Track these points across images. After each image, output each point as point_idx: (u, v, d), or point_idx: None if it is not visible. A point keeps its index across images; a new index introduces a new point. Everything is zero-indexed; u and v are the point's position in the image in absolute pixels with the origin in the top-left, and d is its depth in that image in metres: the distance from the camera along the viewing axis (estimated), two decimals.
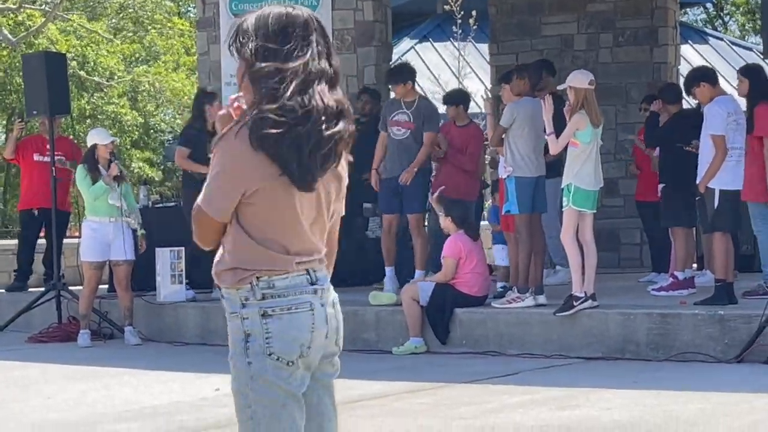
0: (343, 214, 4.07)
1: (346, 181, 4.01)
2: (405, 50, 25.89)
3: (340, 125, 3.85)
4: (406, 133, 13.19)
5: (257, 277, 3.85)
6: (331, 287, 3.99)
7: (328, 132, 3.80)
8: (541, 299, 12.39)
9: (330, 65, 3.90)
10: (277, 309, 3.84)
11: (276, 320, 3.84)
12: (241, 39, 3.88)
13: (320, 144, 3.80)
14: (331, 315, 3.94)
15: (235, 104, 3.90)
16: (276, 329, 3.83)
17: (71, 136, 19.34)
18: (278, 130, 3.74)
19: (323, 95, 3.82)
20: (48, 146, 15.71)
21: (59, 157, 15.33)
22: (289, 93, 3.78)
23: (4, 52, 32.80)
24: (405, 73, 13.74)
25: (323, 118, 3.80)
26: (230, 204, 3.84)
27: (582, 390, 9.66)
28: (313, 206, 3.88)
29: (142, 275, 14.55)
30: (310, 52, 3.84)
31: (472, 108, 18.55)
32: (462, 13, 21.17)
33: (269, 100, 3.79)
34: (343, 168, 3.97)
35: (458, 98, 14.95)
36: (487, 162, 15.26)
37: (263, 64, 3.83)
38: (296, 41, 3.85)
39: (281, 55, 3.83)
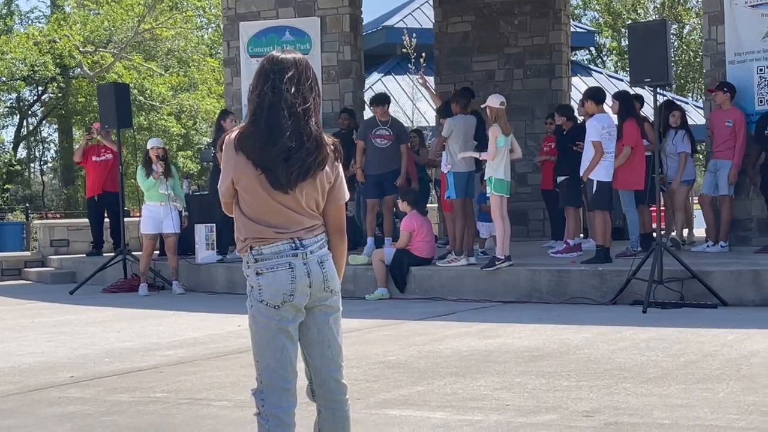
0: (347, 200, 4.09)
1: (331, 182, 3.97)
2: (374, 81, 25.83)
3: (305, 149, 3.85)
4: (387, 143, 13.42)
5: (251, 247, 3.89)
6: (321, 249, 3.94)
7: (286, 150, 3.82)
8: (472, 260, 12.45)
9: (295, 97, 3.86)
10: (265, 269, 3.86)
11: (264, 277, 3.86)
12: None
13: (282, 159, 3.82)
14: (314, 270, 3.89)
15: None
16: (264, 283, 3.86)
17: (133, 142, 19.45)
18: (245, 139, 3.85)
19: (284, 120, 3.83)
20: (102, 149, 15.84)
21: (100, 136, 15.87)
22: (258, 116, 3.87)
23: (84, 83, 32.60)
24: (386, 99, 13.91)
25: (282, 138, 3.82)
26: (226, 186, 3.93)
27: (501, 324, 9.68)
28: (288, 197, 3.86)
29: (185, 243, 14.56)
30: (276, 88, 3.87)
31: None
32: (415, 54, 21.15)
33: (248, 119, 3.91)
34: (325, 176, 3.93)
35: None
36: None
37: (249, 96, 3.95)
38: (267, 79, 3.90)
39: (258, 90, 3.90)
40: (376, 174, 13.45)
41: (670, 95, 26.49)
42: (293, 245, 3.88)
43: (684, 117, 13.30)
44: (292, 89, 3.86)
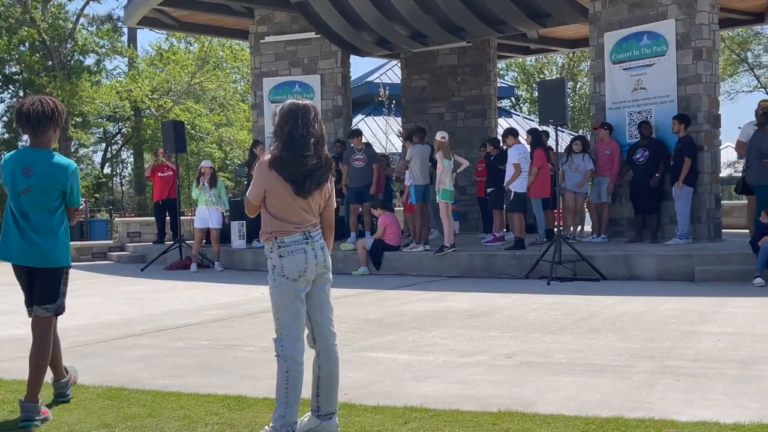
0: (335, 206, 4.13)
1: (329, 192, 4.03)
2: (358, 121, 25.69)
3: (320, 166, 3.91)
4: (361, 164, 13.37)
5: (275, 237, 3.90)
6: (321, 239, 3.99)
7: (309, 168, 3.87)
8: (427, 247, 12.44)
9: (317, 131, 3.91)
10: (286, 253, 3.88)
11: (285, 259, 3.88)
12: (274, 118, 3.99)
13: (306, 175, 3.86)
14: (318, 254, 3.94)
15: (274, 148, 4.00)
16: (286, 263, 3.88)
17: (187, 163, 19.24)
18: (279, 161, 3.87)
19: (307, 146, 3.87)
20: (165, 168, 15.75)
21: (164, 158, 15.85)
22: (287, 144, 3.88)
23: (151, 121, 32.40)
24: (359, 132, 13.84)
25: (307, 160, 3.87)
26: (259, 195, 3.93)
27: (448, 293, 9.70)
28: (304, 201, 3.91)
29: (225, 235, 14.49)
30: (303, 124, 3.89)
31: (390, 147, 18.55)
32: (388, 101, 21.13)
33: (281, 146, 3.91)
34: (327, 188, 3.99)
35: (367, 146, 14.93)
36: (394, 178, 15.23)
37: (279, 131, 3.93)
38: (296, 119, 3.90)
39: (288, 126, 3.89)
40: (355, 186, 13.42)
41: (567, 132, 26.63)
42: (305, 236, 3.92)
43: (585, 144, 13.26)
44: (315, 125, 3.92)
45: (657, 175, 12.16)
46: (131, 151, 38.27)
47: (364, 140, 13.88)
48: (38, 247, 4.44)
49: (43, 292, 4.51)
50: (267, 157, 3.92)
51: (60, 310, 4.61)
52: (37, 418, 4.33)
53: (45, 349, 4.51)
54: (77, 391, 5.02)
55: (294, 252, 3.88)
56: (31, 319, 4.61)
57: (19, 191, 4.45)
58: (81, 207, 4.73)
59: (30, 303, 4.59)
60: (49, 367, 4.62)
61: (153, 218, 17.36)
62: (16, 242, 4.46)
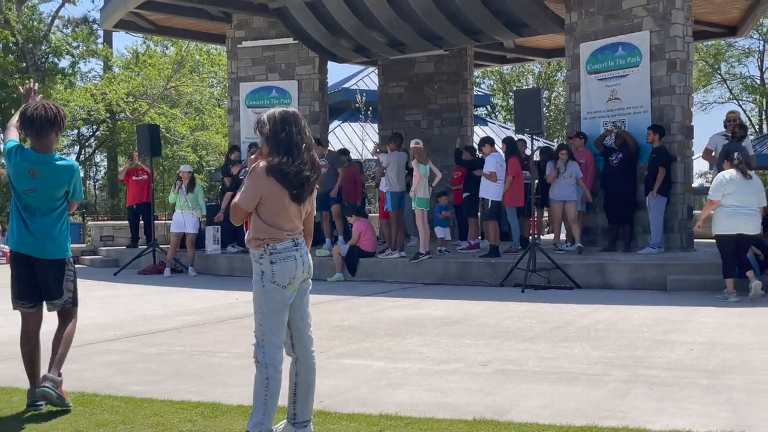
0: (315, 213, 4.12)
1: (314, 199, 4.07)
2: (335, 126, 25.72)
3: (315, 172, 3.93)
4: (325, 170, 13.20)
5: (267, 243, 3.87)
6: (305, 245, 4.02)
7: (307, 174, 3.89)
8: (403, 254, 12.46)
9: (308, 138, 3.94)
10: (278, 260, 3.87)
11: (277, 265, 3.88)
12: (260, 126, 3.95)
13: (305, 180, 3.87)
14: (305, 260, 3.97)
15: (256, 155, 4.01)
16: (277, 270, 3.87)
17: (162, 167, 19.06)
18: (279, 168, 3.83)
19: (303, 153, 3.88)
20: (140, 171, 15.69)
21: (139, 161, 15.81)
22: (286, 152, 3.86)
23: (126, 124, 32.18)
24: (318, 141, 13.71)
25: (305, 166, 3.88)
26: (253, 202, 3.88)
27: (423, 300, 9.71)
28: (296, 207, 3.92)
29: (200, 240, 14.41)
30: (297, 132, 3.89)
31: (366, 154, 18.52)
32: (364, 108, 21.14)
33: (276, 155, 3.87)
34: (314, 194, 4.03)
35: (344, 152, 14.80)
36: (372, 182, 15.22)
37: (273, 137, 3.89)
38: (290, 126, 3.89)
39: (284, 133, 3.87)
40: (322, 192, 13.28)
41: (543, 140, 26.75)
42: (294, 243, 3.94)
43: (570, 153, 13.13)
44: (307, 131, 3.94)
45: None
46: (105, 155, 38.00)
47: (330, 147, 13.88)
48: (39, 239, 4.69)
49: (48, 285, 4.74)
50: (262, 164, 3.87)
51: (67, 305, 4.81)
52: (55, 390, 4.53)
53: (64, 333, 4.79)
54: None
55: (286, 259, 3.88)
56: (15, 311, 4.84)
57: (23, 190, 4.69)
58: (82, 199, 5.02)
59: (18, 296, 4.77)
60: (27, 377, 4.70)
61: (126, 222, 17.23)
62: (18, 231, 4.73)
